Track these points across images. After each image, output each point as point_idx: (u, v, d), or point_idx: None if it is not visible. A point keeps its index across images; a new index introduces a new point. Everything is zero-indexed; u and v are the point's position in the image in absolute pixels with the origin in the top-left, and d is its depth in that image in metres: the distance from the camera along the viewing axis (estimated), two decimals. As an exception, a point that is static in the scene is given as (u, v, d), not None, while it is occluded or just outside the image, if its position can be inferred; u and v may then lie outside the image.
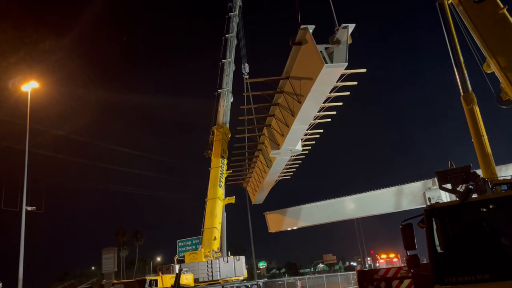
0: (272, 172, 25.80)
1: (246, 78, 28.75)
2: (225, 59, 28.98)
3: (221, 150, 27.51)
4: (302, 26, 14.85)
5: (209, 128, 29.10)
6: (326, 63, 14.27)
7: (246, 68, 29.04)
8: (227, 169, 28.16)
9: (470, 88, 15.22)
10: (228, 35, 29.19)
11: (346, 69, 15.20)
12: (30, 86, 26.81)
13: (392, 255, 55.28)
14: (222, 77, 28.93)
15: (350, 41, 14.58)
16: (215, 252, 24.77)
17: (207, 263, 23.39)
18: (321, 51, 14.55)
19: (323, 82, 15.44)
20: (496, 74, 10.38)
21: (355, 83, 17.38)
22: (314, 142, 23.97)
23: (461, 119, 15.11)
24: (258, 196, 31.79)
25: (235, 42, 29.35)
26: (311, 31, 14.83)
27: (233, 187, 29.90)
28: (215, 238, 25.26)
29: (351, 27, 14.42)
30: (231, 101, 29.23)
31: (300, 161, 26.97)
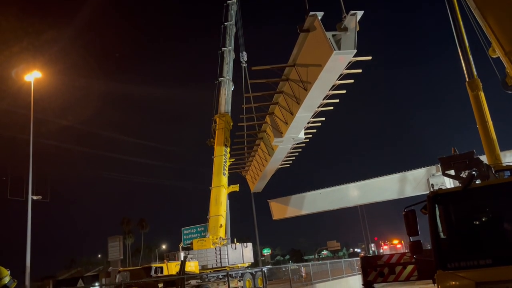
0: (273, 160, 25.84)
1: (244, 67, 28.83)
2: (224, 47, 28.81)
3: (224, 139, 27.57)
4: (310, 13, 14.68)
5: (211, 117, 29.11)
6: (335, 50, 14.15)
7: (244, 56, 29.02)
8: (230, 158, 28.25)
9: (475, 73, 15.10)
10: (227, 23, 28.99)
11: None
12: (33, 75, 26.78)
13: (395, 241, 55.64)
14: (223, 66, 28.81)
15: (358, 28, 14.42)
16: (222, 239, 25.06)
17: (216, 250, 23.64)
18: (328, 38, 14.42)
19: (331, 69, 15.35)
20: (501, 59, 10.26)
21: (360, 70, 17.26)
22: (315, 130, 23.92)
23: (466, 105, 15.04)
24: (257, 185, 31.90)
25: (234, 30, 29.17)
26: (319, 18, 14.66)
27: (231, 176, 30.00)
28: (221, 226, 25.52)
29: (360, 14, 14.24)
30: (232, 89, 29.16)
31: (300, 149, 26.96)
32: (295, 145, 24.78)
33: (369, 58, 16.35)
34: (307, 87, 16.84)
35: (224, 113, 28.43)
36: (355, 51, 14.40)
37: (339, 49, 14.29)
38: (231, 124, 28.61)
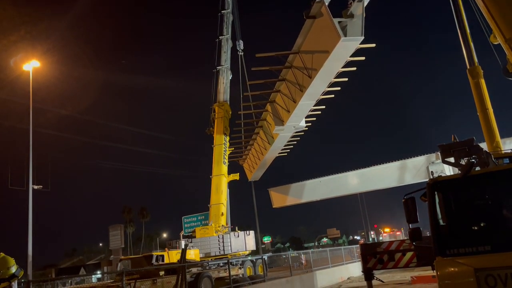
0: (273, 148, 25.86)
1: (241, 55, 28.74)
2: (222, 36, 28.60)
3: (223, 128, 27.59)
4: None
5: (209, 106, 29.06)
6: (342, 36, 14.02)
7: (241, 44, 28.86)
8: (229, 147, 28.31)
9: (476, 61, 15.02)
10: (224, 11, 28.73)
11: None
12: (31, 65, 26.64)
13: (395, 229, 56.03)
14: (220, 54, 28.66)
15: (364, 15, 14.26)
16: (224, 227, 25.28)
17: (218, 237, 23.83)
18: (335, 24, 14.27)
19: (337, 56, 15.26)
20: (502, 46, 10.19)
21: (363, 58, 17.13)
22: (315, 118, 23.88)
23: (467, 92, 15.01)
24: (255, 173, 31.94)
25: (231, 18, 28.93)
26: (326, 3, 14.50)
27: (229, 164, 30.05)
28: (222, 214, 25.69)
29: (366, 0, 14.07)
30: (230, 78, 29.07)
31: (299, 138, 26.94)
32: (294, 134, 24.77)
33: (373, 45, 16.21)
34: (312, 74, 16.72)
35: (223, 102, 28.36)
36: (363, 37, 14.25)
37: (346, 35, 14.15)
38: (230, 112, 28.58)
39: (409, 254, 11.59)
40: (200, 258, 22.71)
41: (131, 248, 71.88)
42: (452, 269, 5.99)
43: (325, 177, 33.06)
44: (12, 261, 6.13)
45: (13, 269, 6.08)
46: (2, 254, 6.24)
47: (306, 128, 24.34)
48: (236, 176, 28.84)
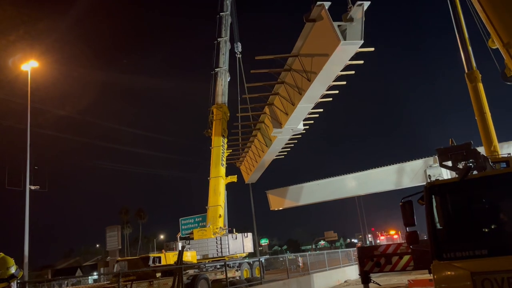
0: (270, 151, 25.88)
1: (239, 57, 28.86)
2: (220, 37, 28.71)
3: (221, 129, 27.63)
4: (318, 3, 14.54)
5: (207, 107, 29.09)
6: (342, 40, 14.05)
7: (239, 47, 28.96)
8: (227, 148, 28.34)
9: (474, 65, 15.09)
10: (223, 13, 28.84)
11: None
12: (30, 65, 26.61)
13: (392, 232, 56.00)
14: (219, 56, 28.76)
15: (364, 19, 14.30)
16: (222, 229, 25.26)
17: (216, 239, 23.81)
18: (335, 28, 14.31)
19: (336, 59, 15.31)
20: (500, 50, 10.23)
21: (362, 62, 17.18)
22: (313, 121, 23.90)
23: (465, 96, 15.07)
24: (252, 176, 31.97)
25: (229, 20, 29.04)
26: (327, 7, 14.56)
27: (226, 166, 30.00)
28: (220, 216, 25.68)
29: (366, 4, 14.11)
30: (228, 80, 29.11)
31: (296, 141, 26.98)
32: (292, 136, 24.80)
33: (372, 49, 16.25)
34: (311, 77, 16.77)
35: (221, 104, 28.40)
36: (362, 41, 14.31)
37: (346, 39, 14.19)
38: (228, 114, 28.65)
39: (406, 258, 11.60)
40: (197, 260, 22.68)
41: (128, 250, 71.69)
42: (449, 272, 6.00)
43: (323, 180, 33.08)
44: (11, 261, 6.11)
45: (13, 270, 6.05)
46: (2, 254, 6.21)
47: (304, 131, 24.37)
48: (234, 178, 28.87)
